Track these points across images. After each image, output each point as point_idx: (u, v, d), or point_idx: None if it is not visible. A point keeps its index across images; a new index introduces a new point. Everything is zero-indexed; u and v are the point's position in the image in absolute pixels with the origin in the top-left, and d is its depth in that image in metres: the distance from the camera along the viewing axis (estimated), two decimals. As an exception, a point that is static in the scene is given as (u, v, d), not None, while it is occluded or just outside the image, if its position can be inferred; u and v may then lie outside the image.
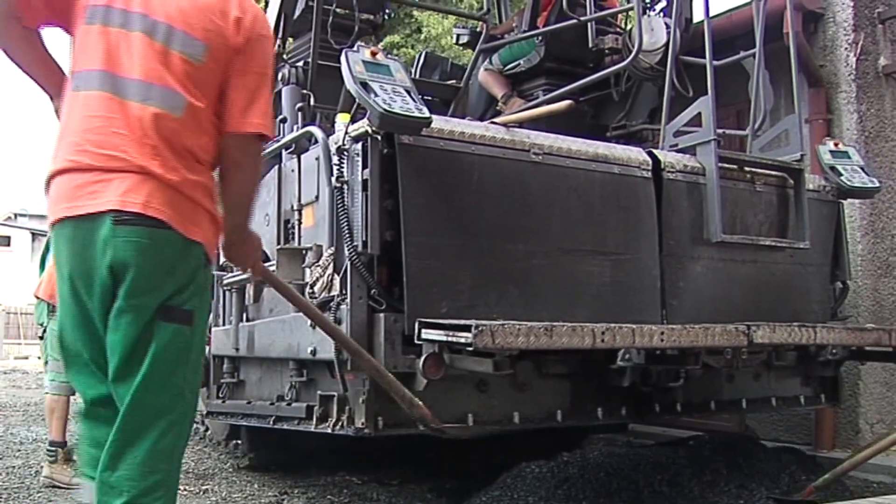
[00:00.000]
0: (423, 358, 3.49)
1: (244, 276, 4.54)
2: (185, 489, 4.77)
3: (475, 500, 4.40)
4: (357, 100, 3.69)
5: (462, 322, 3.33)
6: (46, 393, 5.26)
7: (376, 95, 3.58)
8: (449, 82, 6.26)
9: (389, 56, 3.80)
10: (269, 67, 2.55)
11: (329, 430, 3.88)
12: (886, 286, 5.95)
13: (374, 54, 3.78)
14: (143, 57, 2.40)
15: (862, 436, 5.78)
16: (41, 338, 5.43)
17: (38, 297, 5.39)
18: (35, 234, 26.61)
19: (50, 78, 2.56)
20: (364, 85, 3.63)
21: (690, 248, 4.49)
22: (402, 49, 14.60)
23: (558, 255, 4.09)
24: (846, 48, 5.99)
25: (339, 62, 3.71)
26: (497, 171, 3.93)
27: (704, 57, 4.76)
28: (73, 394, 5.12)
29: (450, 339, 3.36)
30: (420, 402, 3.51)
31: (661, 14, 5.42)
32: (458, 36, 6.32)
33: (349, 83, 3.65)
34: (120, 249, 2.28)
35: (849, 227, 5.65)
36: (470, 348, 3.29)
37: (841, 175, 5.07)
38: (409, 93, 3.69)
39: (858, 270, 5.74)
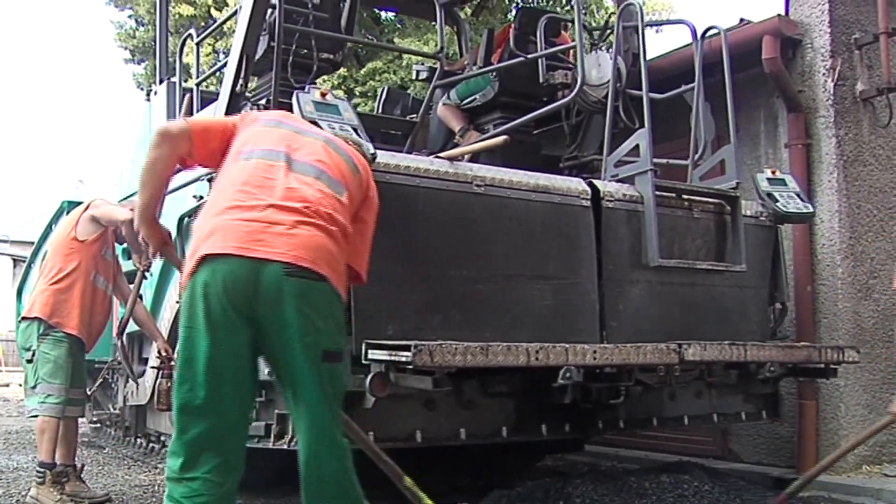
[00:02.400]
0: (370, 377, 3.78)
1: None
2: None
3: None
4: (308, 137, 3.99)
5: (404, 343, 3.62)
6: (36, 415, 5.24)
7: (324, 133, 3.89)
8: (410, 116, 6.58)
9: (338, 97, 4.12)
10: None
11: (286, 447, 4.15)
12: (867, 309, 6.08)
13: (323, 95, 4.10)
14: (318, 152, 3.10)
15: (844, 458, 5.79)
16: (29, 361, 5.34)
17: (28, 318, 5.32)
18: (16, 261, 26.69)
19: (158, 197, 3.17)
20: (314, 124, 3.95)
21: (629, 272, 4.81)
22: (385, 74, 14.96)
23: (501, 281, 4.40)
24: (824, 74, 6.12)
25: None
26: (441, 202, 4.25)
27: (652, 91, 5.13)
28: (62, 416, 5.16)
29: (393, 358, 3.65)
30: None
31: (609, 50, 5.75)
32: (418, 72, 6.66)
33: (300, 122, 3.96)
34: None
35: (828, 251, 5.96)
36: (411, 366, 3.57)
37: (777, 201, 5.39)
38: (356, 130, 4.01)
39: (838, 293, 5.93)
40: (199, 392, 2.75)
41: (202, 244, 2.82)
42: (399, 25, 14.93)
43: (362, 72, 15.26)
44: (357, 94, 15.07)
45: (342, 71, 14.96)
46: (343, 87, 15.23)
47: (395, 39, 15.04)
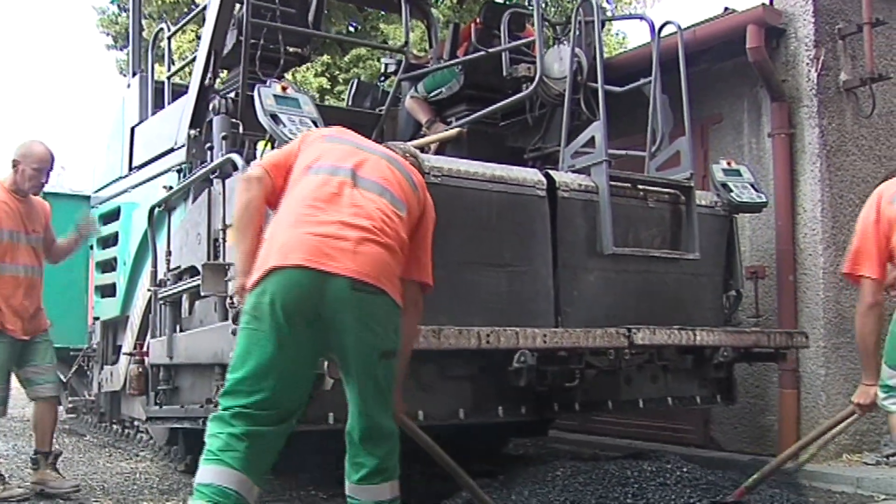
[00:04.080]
0: (327, 360, 3.97)
1: (178, 290, 5.01)
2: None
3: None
4: (268, 130, 4.18)
5: None
6: None
7: (284, 126, 4.09)
8: (378, 109, 6.76)
9: (299, 90, 4.30)
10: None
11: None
12: (848, 298, 6.09)
13: (284, 89, 4.28)
14: (382, 169, 3.31)
15: (825, 446, 5.89)
16: None
17: None
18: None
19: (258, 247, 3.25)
20: (274, 117, 4.13)
21: (584, 260, 5.02)
22: (368, 62, 15.07)
23: (457, 268, 4.59)
24: (807, 63, 6.15)
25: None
26: None
27: (614, 85, 5.31)
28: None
29: None
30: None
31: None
32: (386, 66, 6.84)
33: (260, 115, 4.16)
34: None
35: (811, 241, 6.09)
36: None
37: (731, 191, 5.60)
38: (315, 123, 4.19)
39: (820, 283, 6.04)
40: (255, 390, 3.02)
41: (274, 255, 3.03)
42: (383, 13, 15.07)
43: (346, 59, 15.40)
44: (341, 81, 15.19)
45: (325, 58, 15.13)
46: (327, 74, 15.36)
47: (381, 25, 15.17)
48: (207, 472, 3.01)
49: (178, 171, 5.59)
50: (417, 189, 3.41)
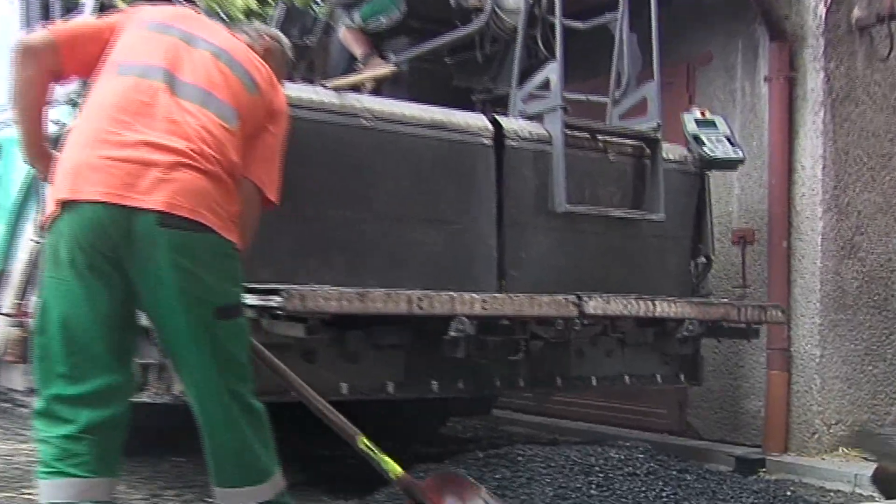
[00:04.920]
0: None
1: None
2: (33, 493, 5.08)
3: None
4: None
5: (273, 286, 4.05)
6: None
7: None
8: (306, 39, 7.00)
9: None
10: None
11: (148, 400, 4.63)
12: (850, 269, 6.31)
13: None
14: (208, 69, 3.19)
15: (818, 438, 6.25)
16: None
17: None
18: None
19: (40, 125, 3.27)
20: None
21: (534, 219, 5.34)
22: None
23: (388, 223, 4.87)
24: None
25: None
26: (323, 135, 4.69)
27: (587, 20, 5.61)
28: None
29: (264, 303, 4.05)
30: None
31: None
32: (318, -11, 7.06)
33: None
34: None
35: (809, 202, 6.32)
36: (282, 312, 4.04)
37: (704, 145, 5.95)
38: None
39: (818, 251, 6.26)
40: (73, 364, 2.97)
41: (66, 184, 2.90)
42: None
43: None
44: (271, 2, 15.16)
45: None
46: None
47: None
48: (49, 490, 2.89)
49: (72, 104, 5.76)
50: (257, 90, 3.26)
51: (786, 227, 6.41)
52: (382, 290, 4.36)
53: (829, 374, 6.31)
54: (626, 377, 5.80)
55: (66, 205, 2.92)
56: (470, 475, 4.67)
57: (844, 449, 6.31)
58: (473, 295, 4.62)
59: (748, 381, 6.63)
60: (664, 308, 5.27)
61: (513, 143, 5.31)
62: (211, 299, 3.00)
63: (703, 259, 6.11)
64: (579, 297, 4.94)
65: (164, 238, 2.91)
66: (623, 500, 4.66)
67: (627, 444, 5.44)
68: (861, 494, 5.59)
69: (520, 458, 5.03)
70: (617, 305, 5.07)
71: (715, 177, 6.39)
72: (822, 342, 6.30)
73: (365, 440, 3.92)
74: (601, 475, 4.87)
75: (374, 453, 3.90)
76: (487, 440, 7.10)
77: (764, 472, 6.10)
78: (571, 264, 5.47)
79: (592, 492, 4.69)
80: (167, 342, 3.09)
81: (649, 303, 5.20)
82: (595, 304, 4.98)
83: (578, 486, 4.72)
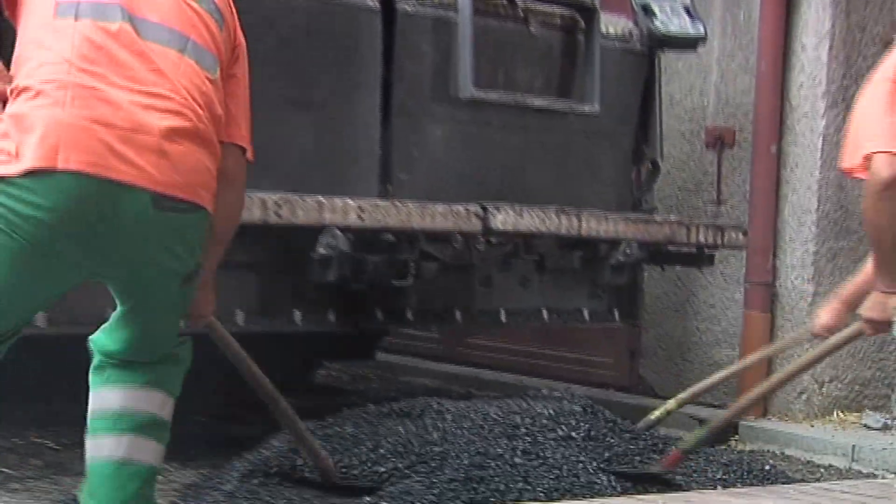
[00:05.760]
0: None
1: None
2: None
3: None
4: None
5: None
6: None
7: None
8: None
9: None
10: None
11: None
12: (856, 183, 5.97)
13: None
14: (175, 6, 3.18)
15: (807, 399, 6.26)
16: None
17: None
18: None
19: None
20: None
21: (431, 106, 5.33)
22: None
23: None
24: None
25: None
26: None
27: None
28: None
29: None
30: (324, 453, 4.28)
31: None
32: None
33: None
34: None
35: (809, 94, 6.26)
36: None
37: (654, 17, 5.94)
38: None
39: (816, 158, 6.23)
40: None
41: (34, 146, 2.91)
42: None
43: None
44: None
45: None
46: None
47: None
48: None
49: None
50: (224, 24, 3.34)
51: (776, 127, 6.36)
52: None
53: (823, 316, 6.28)
54: (545, 312, 5.83)
55: (33, 172, 2.94)
56: (360, 433, 4.72)
57: (840, 413, 6.34)
58: (348, 201, 4.63)
59: (718, 325, 6.65)
60: (593, 225, 5.33)
61: (406, 8, 5.25)
62: (182, 270, 3.20)
63: (648, 165, 6.14)
64: (484, 209, 4.97)
65: (157, 222, 3.04)
66: (556, 470, 4.58)
67: (562, 399, 5.35)
68: (860, 472, 5.61)
69: (425, 416, 4.97)
70: (532, 220, 5.11)
71: (687, 60, 6.45)
72: (817, 276, 6.30)
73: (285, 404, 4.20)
74: (528, 439, 4.79)
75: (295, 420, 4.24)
76: (382, 392, 7.09)
77: (736, 440, 6.15)
78: (477, 166, 5.46)
79: (517, 459, 4.62)
80: (131, 302, 3.27)
81: (573, 218, 5.25)
82: (504, 218, 5.01)
83: (500, 451, 4.64)
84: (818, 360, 4.90)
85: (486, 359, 7.54)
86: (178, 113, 3.03)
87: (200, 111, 3.09)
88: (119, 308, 3.30)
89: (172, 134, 3.00)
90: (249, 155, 3.45)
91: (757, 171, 6.38)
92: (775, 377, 5.19)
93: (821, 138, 6.26)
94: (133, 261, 3.11)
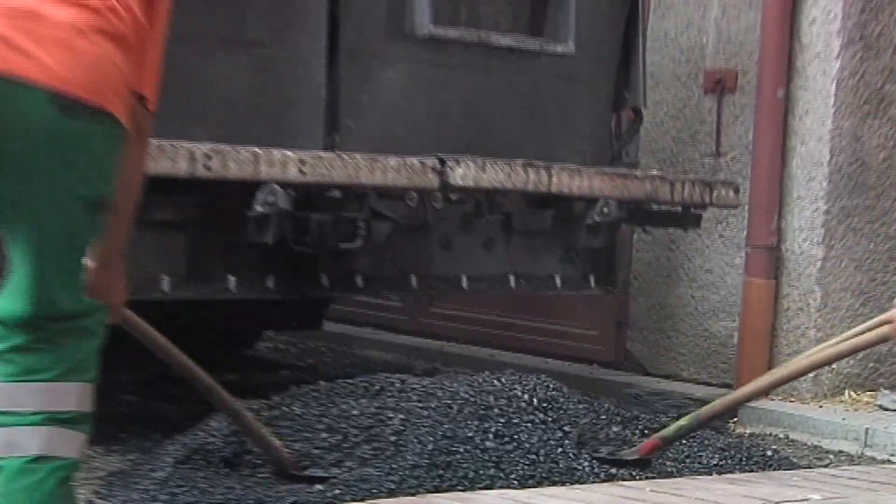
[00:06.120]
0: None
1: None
2: None
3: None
4: None
5: None
6: None
7: None
8: None
9: None
10: None
11: None
12: (875, 133, 6.27)
13: None
14: None
15: (816, 376, 6.01)
16: None
17: None
18: None
19: None
20: None
21: (383, 46, 5.25)
22: None
23: (168, 46, 4.61)
24: None
25: None
26: None
27: None
28: None
29: None
30: (278, 443, 4.20)
31: None
32: None
33: None
34: None
35: (822, 32, 6.17)
36: None
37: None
38: None
39: (829, 104, 6.15)
40: None
41: None
42: None
43: None
44: None
45: None
46: None
47: None
48: None
49: None
50: None
51: (784, 69, 6.26)
52: (156, 141, 4.13)
53: (835, 285, 6.28)
54: (512, 278, 5.78)
55: None
56: (310, 413, 4.65)
57: (852, 393, 6.25)
58: (288, 153, 4.57)
59: (716, 293, 6.56)
60: (565, 181, 5.28)
61: (355, -67, 5.28)
62: (88, 193, 2.95)
63: (630, 113, 6.11)
64: (442, 162, 4.92)
65: (55, 126, 2.81)
66: (532, 455, 4.50)
67: (540, 377, 5.22)
68: (873, 458, 5.51)
69: (384, 394, 4.92)
70: (496, 175, 5.05)
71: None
72: (829, 238, 6.20)
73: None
74: (501, 420, 4.69)
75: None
76: (335, 368, 7.04)
77: (734, 422, 6.06)
78: (435, 114, 5.42)
79: (489, 444, 4.53)
80: (21, 232, 3.00)
81: (542, 172, 5.19)
82: (464, 172, 4.95)
83: (469, 434, 4.54)
84: (830, 361, 4.82)
85: (454, 330, 7.51)
86: (87, 6, 2.83)
87: (118, 7, 2.89)
88: (11, 254, 3.12)
89: (81, 30, 2.81)
90: (151, 105, 3.21)
91: (761, 120, 6.27)
92: (781, 371, 5.04)
93: (834, 83, 6.16)
94: (23, 175, 2.90)
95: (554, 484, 4.33)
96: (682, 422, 4.75)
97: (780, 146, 6.24)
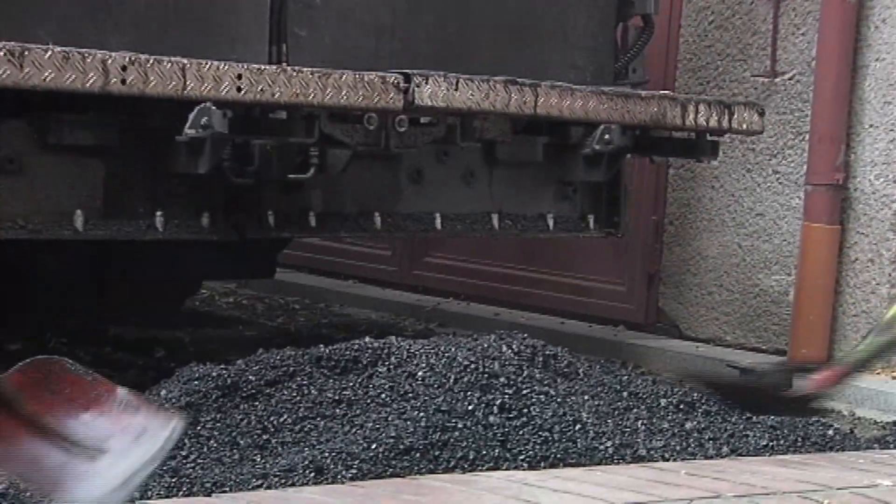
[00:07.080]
0: None
1: None
2: None
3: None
4: None
5: None
6: None
7: None
8: None
9: None
10: None
11: None
12: None
13: None
14: None
15: (845, 338, 6.16)
16: None
17: None
18: None
19: None
20: None
21: None
22: None
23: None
24: None
25: None
26: None
27: None
28: None
29: None
30: None
31: None
32: None
33: None
34: None
35: None
36: None
37: None
38: None
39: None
40: None
41: None
42: None
43: None
44: None
45: None
46: None
47: None
48: None
49: None
50: None
51: None
52: (62, 49, 4.22)
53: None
54: (495, 218, 5.79)
55: None
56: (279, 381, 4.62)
57: None
58: (223, 64, 4.54)
59: (769, 241, 6.55)
60: (554, 101, 5.24)
61: None
62: None
63: (637, 20, 6.05)
64: (407, 78, 4.88)
65: None
66: (545, 433, 4.44)
67: (557, 352, 5.15)
68: None
69: (368, 360, 4.86)
70: (472, 93, 5.01)
71: None
72: None
73: None
74: (508, 392, 4.64)
75: None
76: (309, 329, 7.14)
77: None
78: (401, 21, 5.40)
79: (493, 419, 4.49)
80: None
81: (528, 91, 5.15)
82: (433, 90, 4.91)
83: (470, 407, 4.51)
84: None
85: (452, 284, 7.56)
86: None
87: None
88: None
89: None
90: None
91: (827, 31, 6.21)
92: None
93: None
94: None
95: (570, 466, 4.26)
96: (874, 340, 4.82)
97: (849, 63, 6.19)
